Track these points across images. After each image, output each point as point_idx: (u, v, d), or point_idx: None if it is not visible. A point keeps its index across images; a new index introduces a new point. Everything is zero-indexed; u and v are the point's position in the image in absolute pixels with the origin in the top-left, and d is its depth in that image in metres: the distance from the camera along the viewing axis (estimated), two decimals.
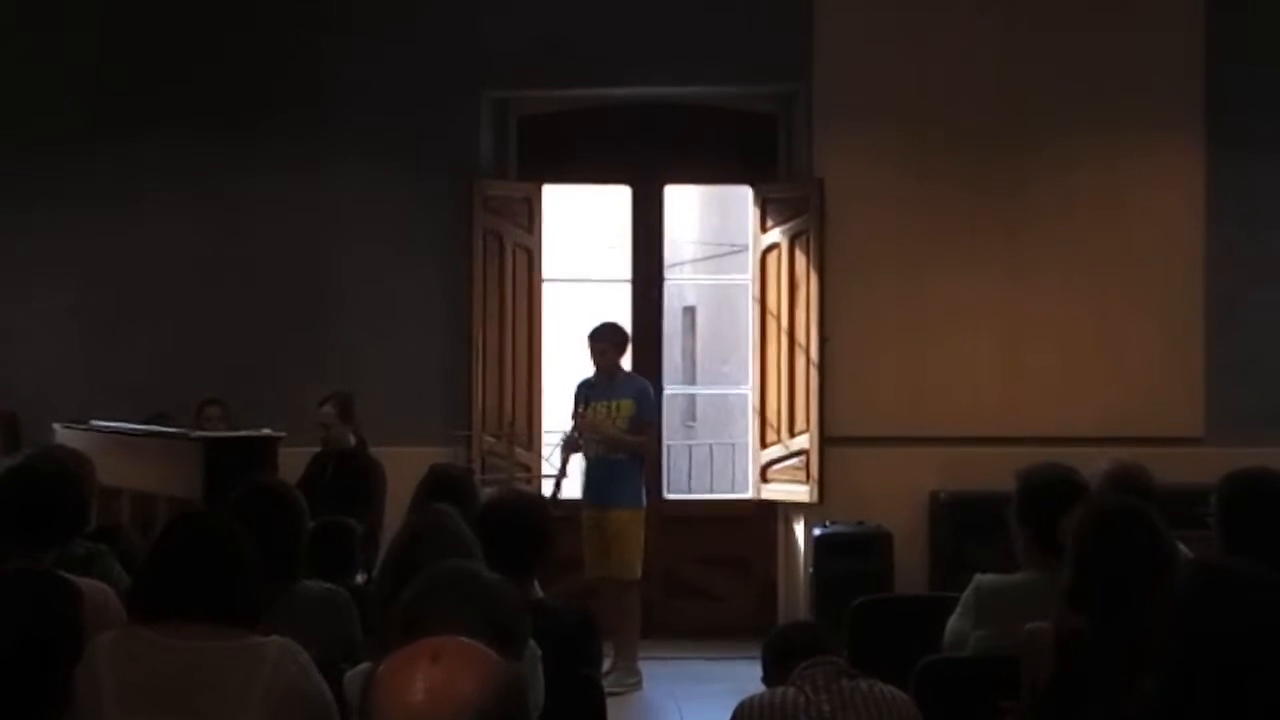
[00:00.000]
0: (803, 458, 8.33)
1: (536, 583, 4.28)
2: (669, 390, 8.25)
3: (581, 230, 12.78)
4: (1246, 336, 8.33)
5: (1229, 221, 8.32)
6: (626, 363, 7.79)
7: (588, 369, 7.77)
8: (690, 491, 12.36)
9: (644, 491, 7.66)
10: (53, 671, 2.70)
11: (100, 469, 4.68)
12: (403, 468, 6.03)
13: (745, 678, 6.44)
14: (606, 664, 6.34)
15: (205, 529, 3.24)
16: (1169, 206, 8.37)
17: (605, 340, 7.59)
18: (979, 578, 4.09)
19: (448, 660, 1.74)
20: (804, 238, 8.37)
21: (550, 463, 7.85)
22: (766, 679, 3.61)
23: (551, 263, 8.87)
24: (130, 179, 8.36)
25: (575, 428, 7.56)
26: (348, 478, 7.07)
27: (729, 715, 3.58)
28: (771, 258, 8.54)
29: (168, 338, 8.30)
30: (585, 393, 7.61)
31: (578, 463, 7.71)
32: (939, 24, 8.32)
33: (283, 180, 8.35)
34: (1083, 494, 4.03)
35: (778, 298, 8.47)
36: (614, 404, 7.53)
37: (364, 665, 3.21)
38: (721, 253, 14.51)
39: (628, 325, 8.06)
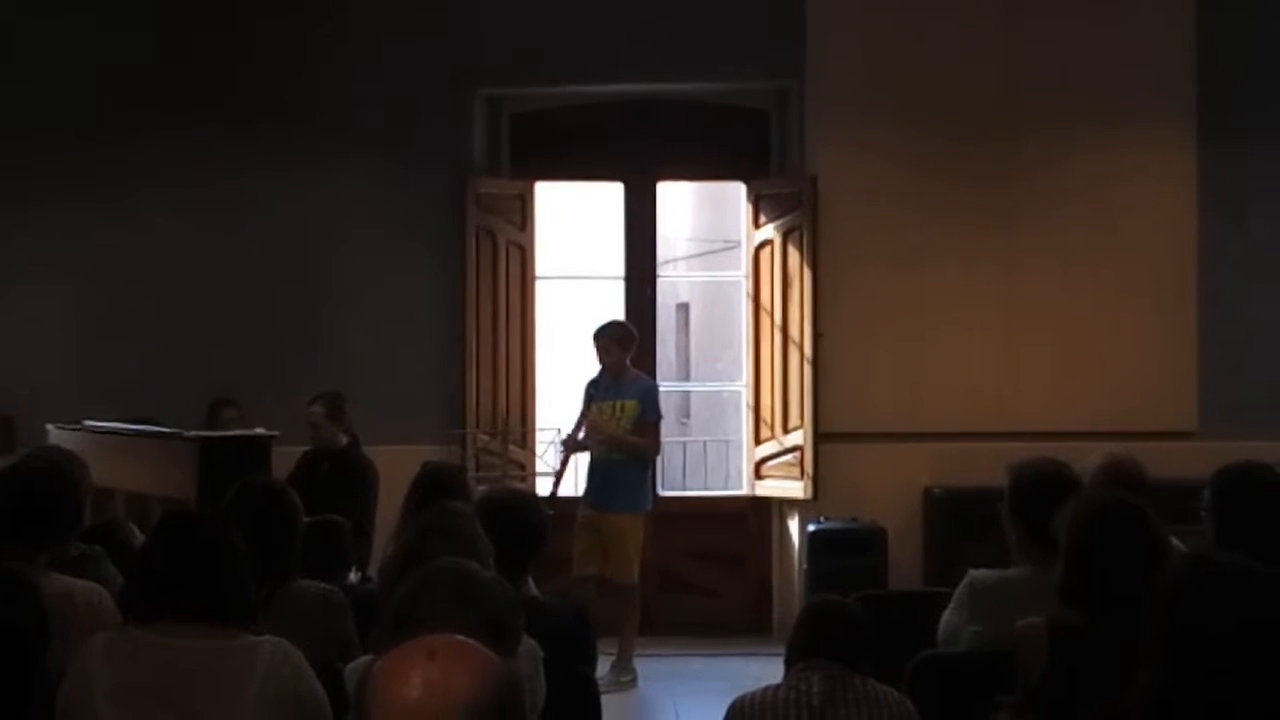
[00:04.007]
0: (797, 454, 8.33)
1: (530, 580, 4.29)
2: (663, 387, 8.24)
3: (575, 227, 12.78)
4: (1239, 330, 8.33)
5: (1222, 215, 8.33)
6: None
7: (585, 366, 7.76)
8: (684, 488, 12.33)
9: (649, 495, 7.63)
10: (24, 665, 2.70)
11: (94, 469, 4.68)
12: (397, 466, 6.02)
13: (740, 674, 6.49)
14: (604, 664, 6.33)
15: (195, 529, 3.24)
16: (1162, 199, 8.38)
17: (607, 338, 7.55)
18: (972, 573, 4.10)
19: (444, 657, 1.74)
20: (797, 233, 8.37)
21: (545, 461, 7.83)
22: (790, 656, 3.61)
23: (545, 260, 8.86)
24: (125, 179, 8.34)
25: (578, 427, 7.54)
26: (339, 477, 7.06)
27: (724, 712, 3.59)
28: (765, 254, 8.54)
29: (163, 338, 8.29)
30: (590, 392, 7.59)
31: (577, 462, 7.69)
32: (932, 19, 8.31)
33: (276, 178, 8.34)
34: (1075, 488, 4.03)
35: (771, 294, 8.47)
36: (618, 404, 7.50)
37: (364, 659, 3.22)
38: (715, 249, 14.51)
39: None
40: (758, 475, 8.59)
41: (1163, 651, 2.57)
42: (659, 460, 8.37)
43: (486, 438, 8.18)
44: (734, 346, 10.53)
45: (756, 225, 8.60)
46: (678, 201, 14.58)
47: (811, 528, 8.03)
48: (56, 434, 7.17)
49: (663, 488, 9.09)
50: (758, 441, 8.59)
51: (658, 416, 7.64)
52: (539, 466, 7.93)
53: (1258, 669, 2.49)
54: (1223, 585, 2.58)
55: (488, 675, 1.74)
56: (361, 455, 7.29)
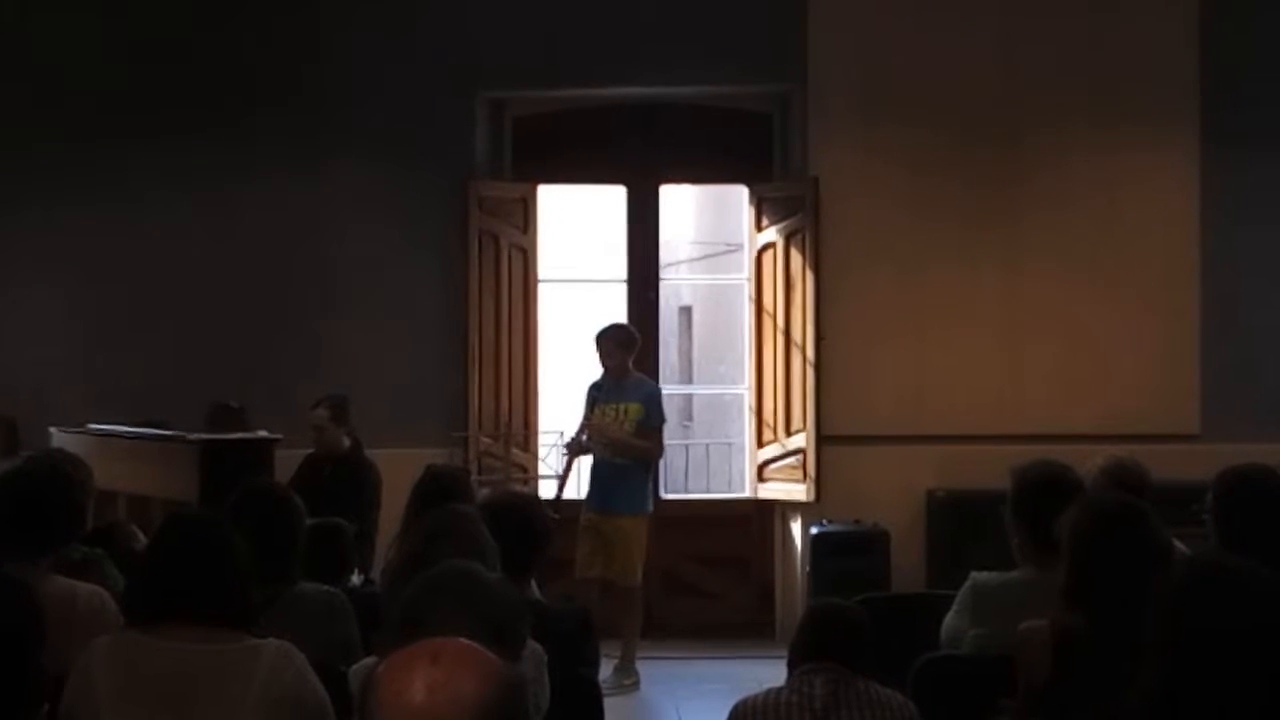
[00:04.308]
0: (799, 457, 8.33)
1: (534, 583, 4.29)
2: (665, 390, 8.24)
3: (577, 231, 12.79)
4: (1242, 333, 8.34)
5: (1225, 217, 8.33)
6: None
7: (588, 370, 7.76)
8: (687, 491, 12.36)
9: (651, 498, 7.64)
10: (20, 666, 2.69)
11: (97, 472, 4.68)
12: (399, 469, 6.02)
13: (743, 677, 6.47)
14: (606, 667, 6.33)
15: (197, 532, 3.23)
16: (1165, 201, 8.38)
17: (610, 340, 7.55)
18: (975, 576, 4.10)
19: (447, 661, 1.75)
20: (799, 236, 8.37)
21: (547, 464, 7.84)
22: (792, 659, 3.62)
23: (547, 263, 8.87)
24: (126, 182, 8.35)
25: (581, 430, 7.54)
26: (342, 480, 7.06)
27: (727, 715, 3.59)
28: (767, 257, 8.55)
29: (164, 341, 8.29)
30: (594, 395, 7.59)
31: (580, 465, 7.69)
32: (934, 21, 8.32)
33: (278, 182, 8.35)
34: (1078, 491, 4.03)
35: (773, 297, 8.47)
36: (622, 407, 7.49)
37: (368, 661, 3.22)
38: (717, 252, 14.51)
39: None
40: (760, 478, 8.59)
41: (1165, 655, 2.57)
42: (661, 463, 8.38)
43: (489, 441, 8.18)
44: (736, 349, 10.53)
45: (759, 228, 8.60)
46: (680, 204, 14.57)
47: (814, 530, 8.03)
48: (59, 436, 7.17)
49: (665, 491, 9.09)
50: (760, 444, 8.59)
51: (661, 421, 7.64)
52: (541, 469, 7.94)
53: (1260, 672, 2.49)
54: (1226, 589, 2.57)
55: (491, 678, 1.74)
56: (364, 458, 7.29)
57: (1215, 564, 2.76)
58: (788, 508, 8.50)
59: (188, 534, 3.24)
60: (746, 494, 8.80)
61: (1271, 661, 2.49)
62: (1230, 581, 2.59)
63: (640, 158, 8.82)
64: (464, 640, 1.81)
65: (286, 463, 6.93)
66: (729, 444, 12.34)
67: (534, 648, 3.17)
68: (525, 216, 8.59)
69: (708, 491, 12.41)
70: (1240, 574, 2.62)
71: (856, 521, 8.03)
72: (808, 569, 8.03)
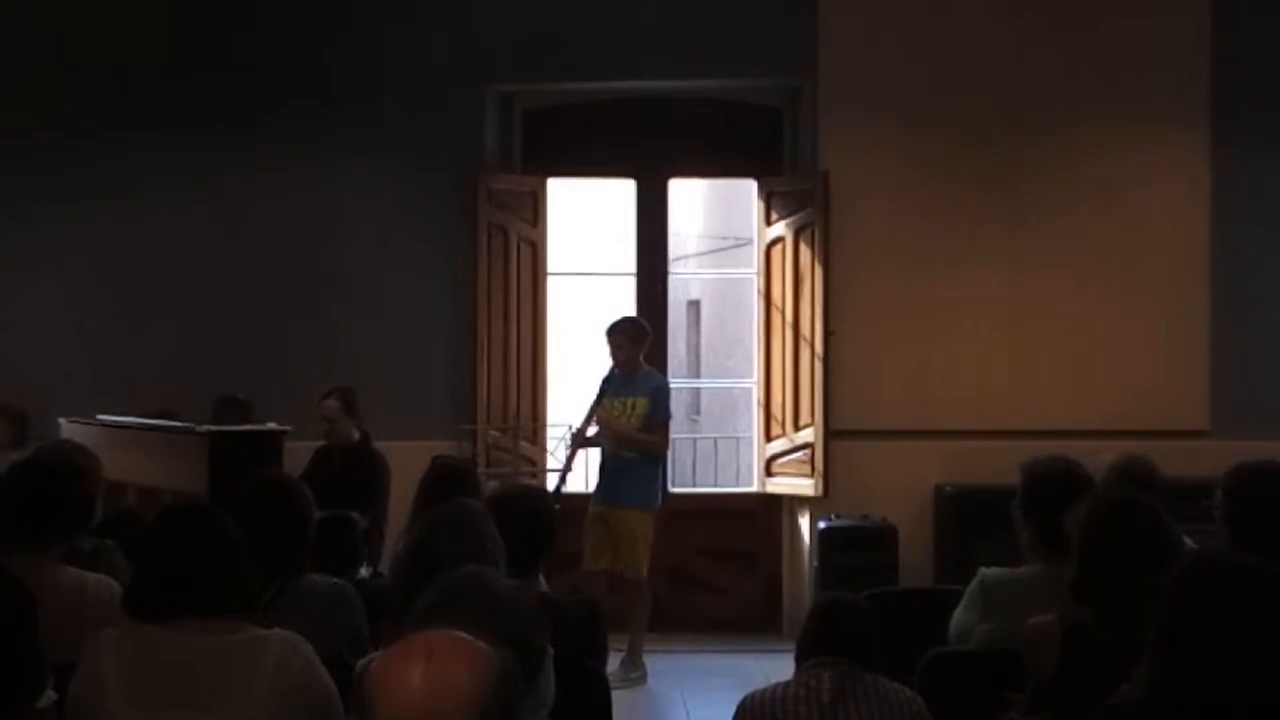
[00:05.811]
0: (807, 451, 8.33)
1: (541, 575, 4.29)
2: (674, 383, 8.24)
3: (586, 224, 12.79)
4: (1251, 329, 8.33)
5: (1234, 215, 8.31)
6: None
7: (597, 363, 7.76)
8: (695, 485, 12.36)
9: (659, 492, 7.64)
10: (13, 648, 2.69)
11: (106, 464, 4.69)
12: (407, 462, 6.03)
13: (750, 671, 6.49)
14: (614, 660, 6.33)
15: (190, 525, 3.23)
16: (1174, 200, 8.37)
17: (620, 334, 7.55)
18: (983, 571, 4.09)
19: (442, 656, 1.76)
20: (809, 231, 8.37)
21: (555, 456, 7.84)
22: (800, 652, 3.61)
23: (556, 256, 8.86)
24: (134, 175, 8.36)
25: (587, 421, 7.54)
26: (352, 472, 7.07)
27: (734, 709, 3.59)
28: (776, 251, 8.54)
29: (173, 333, 8.31)
30: (603, 388, 7.60)
31: (587, 457, 7.69)
32: (944, 18, 8.31)
33: (287, 175, 8.36)
34: (1087, 487, 4.03)
35: (782, 291, 8.47)
36: (629, 401, 7.50)
37: (376, 655, 3.21)
38: (726, 246, 14.50)
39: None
40: (768, 472, 8.59)
41: (1164, 648, 2.57)
42: (669, 457, 8.37)
43: (497, 433, 8.18)
44: (745, 343, 10.52)
45: (768, 222, 8.59)
46: (689, 198, 14.58)
47: (822, 525, 8.03)
48: (69, 428, 7.19)
49: (673, 484, 9.09)
50: (768, 438, 8.59)
51: (667, 416, 7.63)
52: (550, 463, 7.94)
53: (1257, 667, 2.48)
54: (1223, 583, 2.57)
55: (486, 667, 1.76)
56: (374, 450, 7.31)
57: (1213, 558, 2.76)
58: (795, 502, 8.50)
59: (180, 527, 3.23)
60: (754, 488, 8.80)
61: (1268, 655, 2.48)
62: (1228, 575, 2.59)
63: (650, 151, 8.81)
64: (454, 632, 1.82)
65: (295, 454, 6.94)
66: (737, 438, 12.34)
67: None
68: (534, 210, 8.59)
69: (715, 485, 12.40)
70: (1238, 568, 2.61)
71: (864, 516, 8.03)
72: (815, 563, 8.03)
